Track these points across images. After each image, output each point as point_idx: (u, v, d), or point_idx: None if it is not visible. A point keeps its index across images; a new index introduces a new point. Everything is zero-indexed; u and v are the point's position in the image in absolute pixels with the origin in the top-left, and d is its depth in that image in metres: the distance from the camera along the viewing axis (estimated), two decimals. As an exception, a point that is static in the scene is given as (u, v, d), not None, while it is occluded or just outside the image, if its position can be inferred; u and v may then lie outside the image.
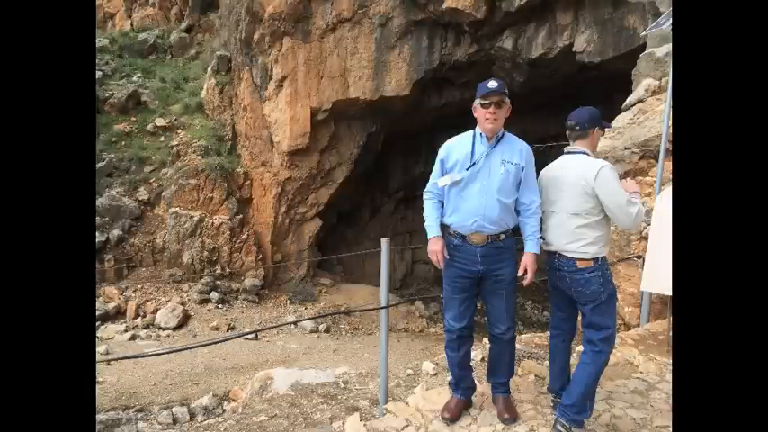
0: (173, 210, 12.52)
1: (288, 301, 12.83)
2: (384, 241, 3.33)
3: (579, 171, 2.76)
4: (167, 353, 7.56)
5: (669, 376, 3.63)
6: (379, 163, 15.35)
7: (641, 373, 3.73)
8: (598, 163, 2.76)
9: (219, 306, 11.87)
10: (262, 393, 5.28)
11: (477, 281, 2.89)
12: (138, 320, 10.98)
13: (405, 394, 4.05)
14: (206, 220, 12.57)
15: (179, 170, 12.83)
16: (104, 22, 18.85)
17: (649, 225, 4.17)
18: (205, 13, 17.04)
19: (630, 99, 6.19)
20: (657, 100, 5.85)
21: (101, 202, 12.27)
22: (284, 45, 12.14)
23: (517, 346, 3.47)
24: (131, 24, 18.39)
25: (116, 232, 12.18)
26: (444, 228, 2.91)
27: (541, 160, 2.96)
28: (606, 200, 2.70)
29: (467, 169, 2.78)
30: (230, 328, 11.07)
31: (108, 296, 11.42)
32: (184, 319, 11.16)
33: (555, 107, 11.43)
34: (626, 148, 5.37)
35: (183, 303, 11.55)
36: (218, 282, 12.34)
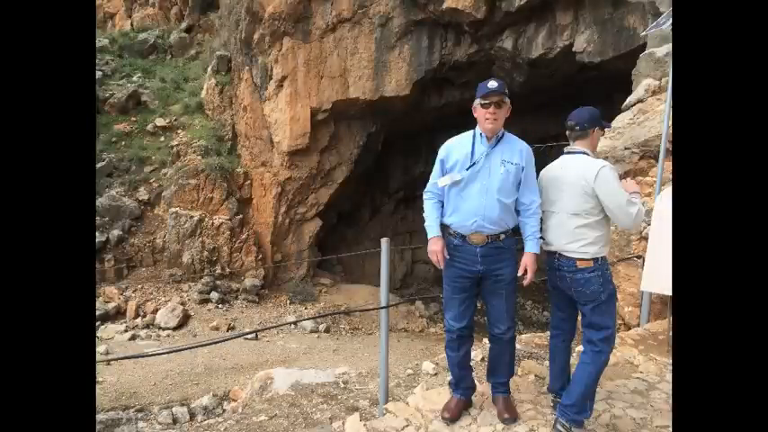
0: (173, 210, 12.53)
1: (288, 301, 12.83)
2: (384, 241, 3.33)
3: (579, 171, 2.76)
4: (167, 353, 7.56)
5: (669, 376, 3.63)
6: (379, 163, 15.35)
7: (641, 373, 3.73)
8: (598, 163, 2.76)
9: (219, 306, 11.87)
10: (262, 393, 5.28)
11: (477, 281, 2.89)
12: (138, 320, 10.98)
13: (405, 394, 4.05)
14: (206, 220, 12.58)
15: (179, 170, 12.83)
16: (104, 22, 18.85)
17: (649, 225, 4.17)
18: (205, 13, 17.04)
19: (630, 99, 6.19)
20: (657, 100, 5.85)
21: (101, 202, 12.27)
22: (284, 45, 12.15)
23: (517, 346, 3.47)
24: (131, 24, 18.39)
25: (116, 232, 12.18)
26: (444, 228, 2.91)
27: (541, 160, 2.96)
28: (606, 200, 2.70)
29: (467, 169, 2.78)
30: (230, 328, 11.07)
31: (108, 296, 11.42)
32: (184, 319, 11.16)
33: (555, 107, 11.43)
34: (626, 148, 5.37)
35: (183, 303, 11.55)
36: (218, 282, 12.34)
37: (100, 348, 9.27)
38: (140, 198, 12.72)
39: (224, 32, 14.13)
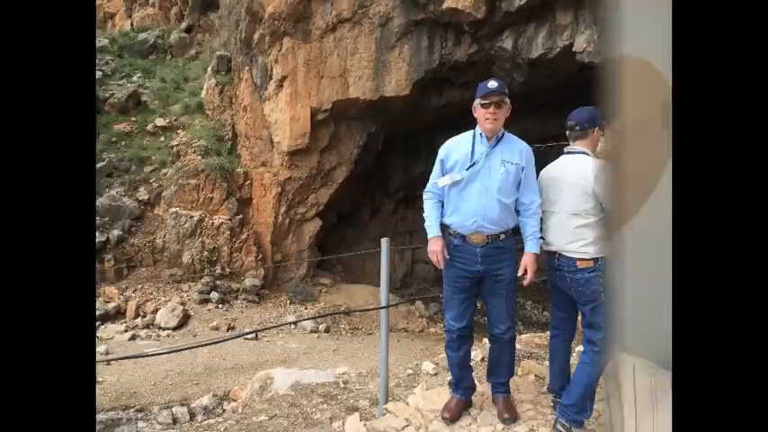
0: (173, 210, 12.53)
1: (288, 301, 12.82)
2: (384, 241, 3.34)
3: (579, 171, 2.77)
4: (167, 353, 7.56)
5: (669, 376, 3.62)
6: (379, 163, 15.35)
7: (641, 373, 3.72)
8: (598, 163, 2.77)
9: (219, 306, 11.87)
10: (262, 393, 5.28)
11: (477, 281, 2.89)
12: (138, 320, 10.98)
13: (405, 394, 4.05)
14: (206, 220, 12.57)
15: (179, 170, 12.83)
16: (104, 22, 18.86)
17: (649, 225, 4.17)
18: (205, 13, 17.04)
19: (630, 99, 6.18)
20: (657, 100, 5.84)
21: (101, 202, 12.27)
22: (284, 45, 12.15)
23: (517, 346, 3.47)
24: (131, 24, 18.39)
25: (116, 232, 12.19)
26: (444, 228, 2.92)
27: (541, 160, 2.97)
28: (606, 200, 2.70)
29: (467, 169, 2.78)
30: (230, 328, 11.07)
31: (108, 296, 11.42)
32: (184, 319, 11.15)
33: (555, 107, 11.42)
34: (626, 148, 5.37)
35: (183, 303, 11.55)
36: (218, 282, 12.34)
37: (100, 348, 9.27)
38: (140, 198, 12.72)
39: (224, 32, 14.13)
